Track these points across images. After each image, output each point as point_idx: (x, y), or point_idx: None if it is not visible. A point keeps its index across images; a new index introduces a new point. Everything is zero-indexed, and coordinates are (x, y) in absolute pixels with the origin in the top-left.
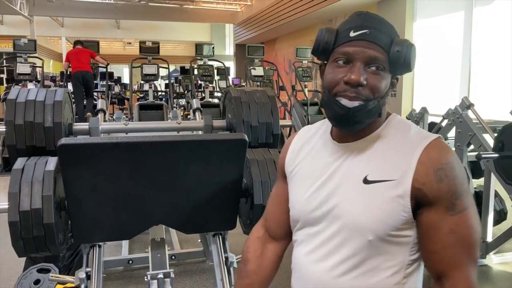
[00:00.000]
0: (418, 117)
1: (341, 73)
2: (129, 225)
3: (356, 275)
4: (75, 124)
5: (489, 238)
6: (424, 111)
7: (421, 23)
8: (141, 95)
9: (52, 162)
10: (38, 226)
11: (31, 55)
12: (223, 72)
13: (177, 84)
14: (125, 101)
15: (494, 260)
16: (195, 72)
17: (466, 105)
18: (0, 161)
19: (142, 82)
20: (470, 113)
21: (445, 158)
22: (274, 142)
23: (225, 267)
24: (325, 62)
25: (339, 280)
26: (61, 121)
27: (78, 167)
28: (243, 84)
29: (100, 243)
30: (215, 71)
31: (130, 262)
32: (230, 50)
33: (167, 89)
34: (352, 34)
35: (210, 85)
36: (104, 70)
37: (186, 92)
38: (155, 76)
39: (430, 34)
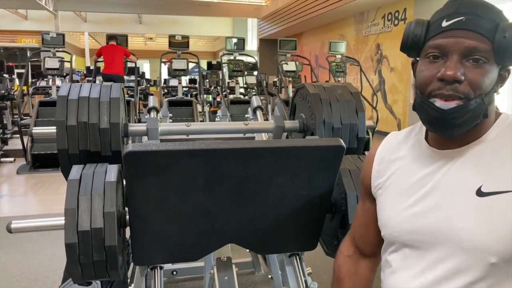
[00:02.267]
0: None
1: (434, 69)
2: (197, 245)
3: None
4: (130, 124)
5: None
6: None
7: None
8: (166, 91)
9: (112, 172)
10: (99, 249)
11: (60, 49)
12: (251, 67)
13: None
14: (150, 96)
15: None
16: (225, 67)
17: None
18: (30, 158)
19: (168, 77)
20: None
21: None
22: (359, 147)
23: None
24: (417, 59)
25: None
26: (119, 121)
27: (147, 178)
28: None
29: (162, 265)
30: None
31: (174, 273)
32: (252, 45)
33: (191, 85)
34: (444, 23)
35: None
36: (132, 65)
37: (212, 88)
38: (185, 71)
39: None
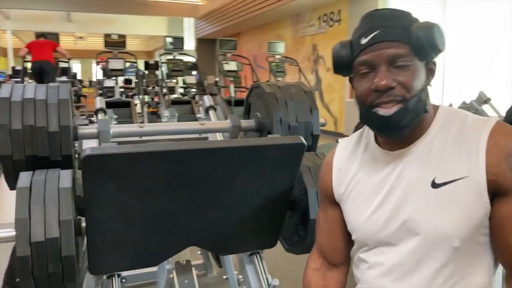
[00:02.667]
0: None
1: (368, 82)
2: (158, 249)
3: (448, 285)
4: (80, 126)
5: None
6: None
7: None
8: (100, 92)
9: (66, 177)
10: (56, 260)
11: None
12: (190, 67)
13: (137, 80)
14: (81, 98)
15: None
16: (163, 66)
17: (483, 99)
18: None
19: (103, 78)
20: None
21: None
22: (314, 144)
23: None
24: (352, 76)
25: None
26: (69, 124)
27: (107, 182)
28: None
29: (120, 272)
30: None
31: (124, 280)
32: (189, 44)
33: (126, 85)
34: (363, 40)
35: (173, 80)
36: (65, 65)
37: (151, 88)
38: (122, 72)
39: None
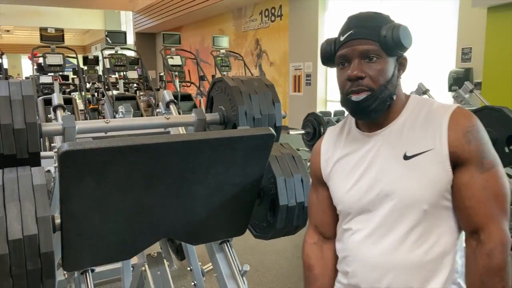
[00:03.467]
0: None
1: (344, 73)
2: (132, 243)
3: (418, 245)
4: (44, 124)
5: None
6: None
7: (332, 12)
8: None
9: (38, 174)
10: (34, 257)
11: None
12: (131, 62)
13: (75, 76)
14: (53, 94)
15: None
16: (107, 62)
17: (423, 90)
18: None
19: (38, 74)
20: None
21: (470, 122)
22: (278, 135)
23: (240, 277)
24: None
25: (403, 254)
26: (35, 121)
27: (84, 177)
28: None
29: (94, 268)
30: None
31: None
32: (128, 39)
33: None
34: (342, 38)
35: (114, 76)
36: None
37: (91, 84)
38: (61, 67)
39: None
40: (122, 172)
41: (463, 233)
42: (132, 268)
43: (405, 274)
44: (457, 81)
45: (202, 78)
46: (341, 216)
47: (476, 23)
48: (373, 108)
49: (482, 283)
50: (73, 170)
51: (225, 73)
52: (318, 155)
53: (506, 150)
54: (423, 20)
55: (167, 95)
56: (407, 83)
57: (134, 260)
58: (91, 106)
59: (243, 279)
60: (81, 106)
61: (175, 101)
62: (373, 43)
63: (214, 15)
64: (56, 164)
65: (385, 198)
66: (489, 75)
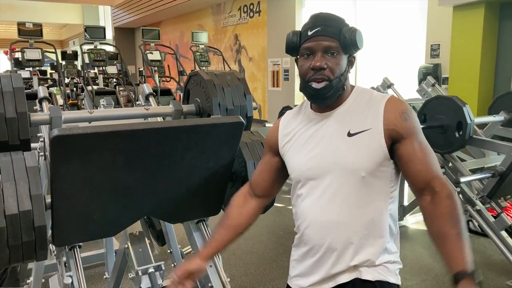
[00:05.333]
0: None
1: (308, 63)
2: (116, 220)
3: (356, 207)
4: (32, 114)
5: (406, 202)
6: None
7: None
8: None
9: (30, 158)
10: (29, 230)
11: None
12: (110, 57)
13: (53, 71)
14: (39, 87)
15: (410, 221)
16: (86, 57)
17: (387, 84)
18: None
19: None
20: (390, 91)
21: (403, 105)
22: (248, 124)
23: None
24: (298, 57)
25: (344, 216)
26: (26, 110)
27: (73, 160)
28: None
29: (81, 243)
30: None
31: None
32: (106, 34)
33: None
34: (309, 32)
35: (93, 71)
36: None
37: (70, 79)
38: (40, 62)
39: None
40: (106, 155)
41: (394, 203)
42: (115, 254)
43: (345, 232)
44: (426, 76)
45: (181, 73)
46: (294, 181)
47: (444, 20)
48: (329, 95)
49: (450, 219)
50: (62, 152)
51: (204, 68)
52: (276, 130)
53: (456, 135)
54: (394, 17)
55: (147, 88)
56: (379, 78)
57: (117, 245)
58: (71, 101)
59: (218, 256)
60: (60, 101)
61: (154, 94)
62: (335, 41)
63: (193, 10)
64: (42, 153)
65: (331, 167)
66: (455, 70)
